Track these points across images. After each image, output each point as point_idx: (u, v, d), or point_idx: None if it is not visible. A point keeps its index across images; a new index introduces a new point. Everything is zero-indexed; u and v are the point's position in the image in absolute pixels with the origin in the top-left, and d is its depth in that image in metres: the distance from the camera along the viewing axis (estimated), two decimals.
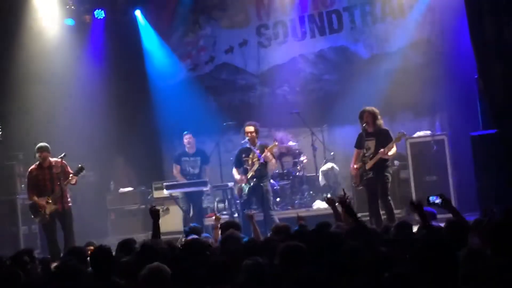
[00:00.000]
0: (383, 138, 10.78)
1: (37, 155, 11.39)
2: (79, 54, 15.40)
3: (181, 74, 16.32)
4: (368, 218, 10.57)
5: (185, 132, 13.35)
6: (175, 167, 13.36)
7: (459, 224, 6.19)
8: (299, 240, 5.70)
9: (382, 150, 10.61)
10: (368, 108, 10.96)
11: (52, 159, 11.44)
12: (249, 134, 11.65)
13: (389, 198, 10.69)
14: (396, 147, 10.86)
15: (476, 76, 10.18)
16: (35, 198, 11.35)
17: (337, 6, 15.12)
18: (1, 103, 13.95)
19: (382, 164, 10.68)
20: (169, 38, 16.32)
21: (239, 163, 11.93)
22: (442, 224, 6.48)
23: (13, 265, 6.70)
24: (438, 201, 6.84)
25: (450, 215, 6.81)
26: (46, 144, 11.55)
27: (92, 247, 8.55)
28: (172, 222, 13.72)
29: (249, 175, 11.58)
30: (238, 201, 12.23)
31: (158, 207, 7.16)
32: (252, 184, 11.56)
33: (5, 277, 5.80)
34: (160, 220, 13.84)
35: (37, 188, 11.40)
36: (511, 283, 3.93)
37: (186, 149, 13.32)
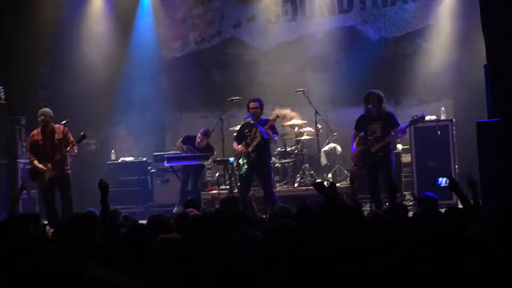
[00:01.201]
0: (389, 122, 10.73)
1: (39, 119, 11.36)
2: (81, 23, 15.42)
3: (188, 47, 16.22)
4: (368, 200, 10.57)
5: (201, 132, 13.57)
6: (180, 144, 13.62)
7: (461, 211, 6.15)
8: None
9: (393, 133, 10.55)
10: (375, 90, 10.90)
11: (55, 125, 11.41)
12: (253, 110, 11.57)
13: (394, 181, 10.66)
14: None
15: (485, 63, 10.09)
16: (35, 162, 11.33)
17: None
18: (6, 67, 13.94)
19: (387, 148, 10.64)
20: (177, 10, 16.22)
21: (241, 138, 11.85)
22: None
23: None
24: (445, 183, 6.80)
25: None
26: (48, 109, 11.53)
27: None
28: (171, 194, 13.73)
29: (250, 148, 11.51)
30: (237, 175, 12.18)
31: (106, 181, 7.06)
32: (252, 158, 11.48)
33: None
34: (159, 193, 14.05)
35: (37, 153, 11.38)
36: None
37: (196, 143, 13.44)
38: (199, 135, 13.60)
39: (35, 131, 11.55)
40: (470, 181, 6.52)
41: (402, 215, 6.90)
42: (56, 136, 11.33)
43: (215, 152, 13.47)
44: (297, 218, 5.88)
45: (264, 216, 8.81)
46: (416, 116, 10.89)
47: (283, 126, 13.82)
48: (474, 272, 4.02)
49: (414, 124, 11.02)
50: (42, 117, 11.34)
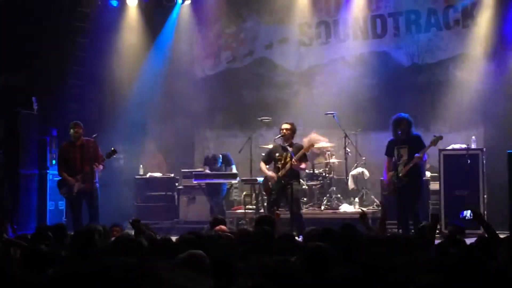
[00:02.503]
0: (416, 145, 10.71)
1: (71, 131, 11.45)
2: (114, 36, 15.59)
3: (220, 66, 16.29)
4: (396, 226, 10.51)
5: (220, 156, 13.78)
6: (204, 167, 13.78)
7: (488, 239, 6.11)
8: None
9: (417, 155, 10.53)
10: (405, 115, 10.89)
11: (85, 138, 11.51)
12: (284, 131, 11.53)
13: (418, 212, 10.59)
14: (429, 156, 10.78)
15: None
16: (65, 175, 11.43)
17: (383, 11, 15.01)
18: (39, 78, 14.11)
19: (416, 172, 10.59)
20: (210, 29, 16.32)
21: (269, 159, 11.82)
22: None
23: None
24: (469, 216, 6.76)
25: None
26: (80, 122, 11.65)
27: (118, 229, 8.61)
28: (197, 212, 13.75)
29: (281, 173, 11.46)
30: (265, 197, 12.16)
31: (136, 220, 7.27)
32: (282, 183, 11.42)
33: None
34: (186, 209, 14.08)
35: (67, 165, 11.49)
36: None
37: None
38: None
39: (65, 143, 11.67)
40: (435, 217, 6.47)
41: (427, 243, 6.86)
42: (86, 149, 11.42)
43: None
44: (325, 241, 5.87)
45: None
46: (434, 136, 10.87)
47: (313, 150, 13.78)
48: None
49: (434, 144, 10.93)
50: (76, 129, 11.44)
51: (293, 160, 11.19)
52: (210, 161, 13.99)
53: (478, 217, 6.68)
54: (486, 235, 6.39)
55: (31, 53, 14.31)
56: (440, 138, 10.88)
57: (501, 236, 6.52)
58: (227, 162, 13.97)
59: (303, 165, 11.57)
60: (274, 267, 4.87)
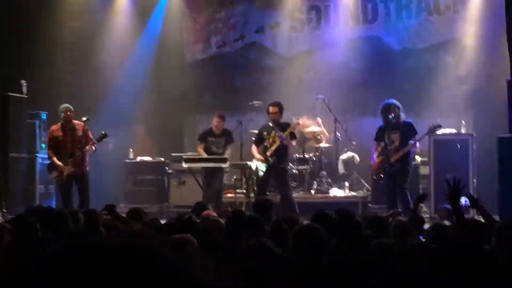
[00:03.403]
0: (408, 131, 10.74)
1: (62, 115, 11.42)
2: (107, 22, 15.55)
3: (210, 50, 16.24)
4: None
5: (216, 116, 13.18)
6: (200, 145, 13.25)
7: (482, 224, 6.12)
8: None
9: (411, 142, 10.57)
10: (392, 100, 10.95)
11: (75, 121, 11.47)
12: (272, 114, 11.59)
13: (407, 191, 10.68)
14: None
15: (509, 79, 10.07)
16: (55, 159, 11.40)
17: None
18: (30, 62, 14.05)
19: (406, 158, 10.64)
20: (201, 14, 16.26)
21: (260, 141, 11.89)
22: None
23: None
24: (464, 202, 6.73)
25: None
26: (70, 106, 11.61)
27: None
28: (187, 196, 13.71)
29: (269, 153, 11.52)
30: (254, 179, 12.16)
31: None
32: (271, 163, 11.48)
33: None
34: (176, 193, 14.05)
35: (57, 148, 11.46)
36: None
37: (213, 129, 13.16)
38: (215, 118, 13.20)
39: (55, 127, 11.62)
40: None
41: (419, 225, 6.89)
42: (77, 133, 11.39)
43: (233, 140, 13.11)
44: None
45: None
46: (433, 124, 10.92)
47: (303, 133, 13.79)
48: (491, 286, 4.01)
49: (432, 132, 11.01)
50: (68, 113, 11.39)
51: (282, 134, 11.22)
52: (209, 134, 13.36)
53: (475, 202, 6.66)
54: (484, 221, 6.38)
55: (19, 37, 14.24)
56: (439, 126, 10.92)
57: None
58: (228, 138, 13.35)
59: (293, 142, 11.65)
60: (262, 250, 4.88)
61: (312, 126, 13.90)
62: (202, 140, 13.18)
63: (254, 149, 11.87)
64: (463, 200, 6.62)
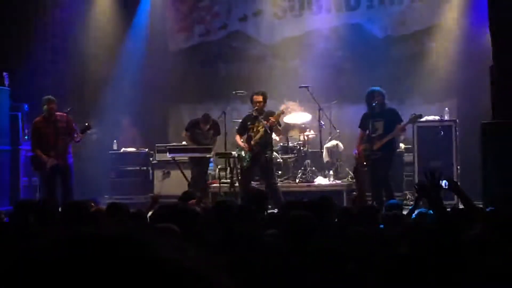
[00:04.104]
0: (392, 118, 10.77)
1: (44, 106, 11.34)
2: (90, 12, 15.46)
3: (193, 39, 16.19)
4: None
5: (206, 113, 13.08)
6: (186, 134, 13.17)
7: (462, 212, 6.14)
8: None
9: (399, 126, 10.62)
10: (376, 88, 10.97)
11: (58, 113, 11.41)
12: (257, 104, 11.56)
13: (389, 180, 10.75)
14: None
15: (491, 65, 10.10)
16: (38, 152, 11.33)
17: None
18: (11, 53, 13.94)
19: (389, 145, 10.66)
20: (184, 2, 16.20)
21: (243, 130, 11.86)
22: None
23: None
24: (445, 186, 6.76)
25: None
26: (53, 97, 11.53)
27: (92, 204, 8.55)
28: (171, 186, 13.68)
29: (253, 142, 11.51)
30: (239, 169, 12.14)
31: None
32: (255, 152, 11.47)
33: None
34: (161, 184, 14.01)
35: (40, 140, 11.38)
36: None
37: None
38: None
39: (38, 118, 11.54)
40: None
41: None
42: (60, 125, 11.32)
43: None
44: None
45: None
46: (414, 114, 10.96)
47: (287, 123, 13.77)
48: (475, 273, 4.02)
49: (412, 122, 11.06)
50: (51, 105, 11.31)
51: (266, 123, 11.20)
52: (197, 126, 13.27)
53: (455, 187, 6.67)
54: (462, 205, 6.40)
55: (0, 28, 14.13)
56: (420, 116, 10.96)
57: None
58: (215, 129, 13.24)
59: (277, 130, 11.66)
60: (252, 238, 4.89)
61: (294, 112, 13.84)
62: (189, 130, 13.14)
63: (238, 138, 11.85)
64: (443, 184, 6.64)
